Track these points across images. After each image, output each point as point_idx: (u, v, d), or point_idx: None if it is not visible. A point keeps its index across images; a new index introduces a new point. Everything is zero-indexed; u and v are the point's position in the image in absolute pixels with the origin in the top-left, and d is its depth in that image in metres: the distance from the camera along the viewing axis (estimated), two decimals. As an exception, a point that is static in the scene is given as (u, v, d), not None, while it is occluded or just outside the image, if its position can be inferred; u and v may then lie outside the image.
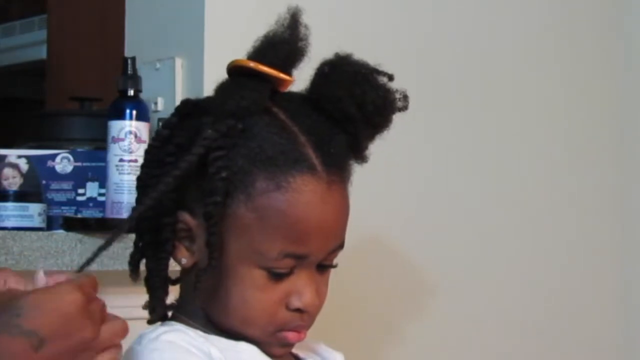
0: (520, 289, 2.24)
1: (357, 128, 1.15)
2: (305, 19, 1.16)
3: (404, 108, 1.18)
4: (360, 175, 1.20)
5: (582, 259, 2.36)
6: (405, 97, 1.18)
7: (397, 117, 1.18)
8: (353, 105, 1.14)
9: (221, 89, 1.16)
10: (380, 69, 1.17)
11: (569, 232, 2.34)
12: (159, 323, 1.18)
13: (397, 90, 1.18)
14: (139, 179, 1.18)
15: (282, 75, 1.15)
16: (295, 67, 1.16)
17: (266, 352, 1.14)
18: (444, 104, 2.15)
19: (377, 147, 1.20)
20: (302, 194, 1.10)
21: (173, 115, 1.18)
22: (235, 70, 1.16)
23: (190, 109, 1.17)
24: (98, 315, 0.94)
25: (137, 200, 1.18)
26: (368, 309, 1.99)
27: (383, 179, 1.96)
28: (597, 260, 2.39)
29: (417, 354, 2.08)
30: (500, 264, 2.21)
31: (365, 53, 1.19)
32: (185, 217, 1.14)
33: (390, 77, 1.17)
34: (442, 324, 2.10)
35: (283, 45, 1.14)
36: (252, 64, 1.14)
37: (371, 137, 1.18)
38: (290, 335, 1.14)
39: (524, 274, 2.25)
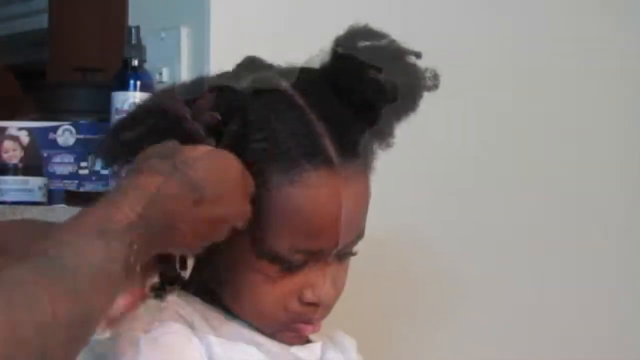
0: (526, 290, 2.20)
1: (381, 114, 1.07)
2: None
3: (434, 87, 1.10)
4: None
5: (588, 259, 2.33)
6: (435, 76, 1.10)
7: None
8: (379, 92, 1.06)
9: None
10: (405, 46, 1.09)
11: (571, 232, 2.30)
12: (156, 324, 1.13)
13: (426, 69, 1.10)
14: None
15: None
16: None
17: (280, 341, 1.10)
18: (448, 101, 2.09)
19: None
20: (317, 189, 1.04)
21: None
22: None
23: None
24: (248, 190, 0.99)
25: None
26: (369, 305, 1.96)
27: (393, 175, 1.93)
28: (602, 260, 2.35)
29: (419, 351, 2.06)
30: (508, 264, 2.17)
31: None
32: None
33: (418, 55, 1.10)
34: (437, 324, 2.08)
35: None
36: None
37: (397, 121, 1.11)
38: (304, 328, 1.10)
39: (533, 275, 2.21)
